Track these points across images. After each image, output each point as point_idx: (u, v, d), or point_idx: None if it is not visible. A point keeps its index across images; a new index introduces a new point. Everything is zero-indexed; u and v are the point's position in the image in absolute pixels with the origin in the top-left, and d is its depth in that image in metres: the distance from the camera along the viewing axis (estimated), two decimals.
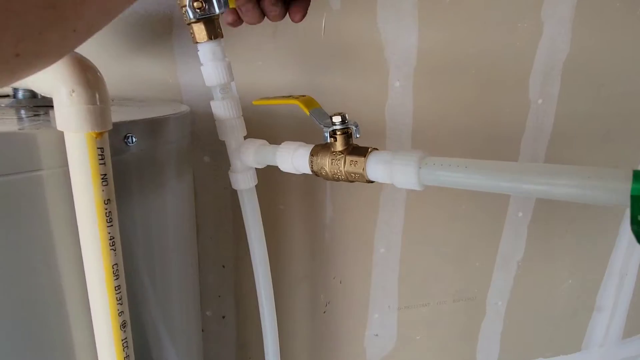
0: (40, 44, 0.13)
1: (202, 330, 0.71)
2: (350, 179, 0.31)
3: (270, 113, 0.66)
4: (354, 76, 0.69)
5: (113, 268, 0.23)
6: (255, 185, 0.46)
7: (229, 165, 0.66)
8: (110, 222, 0.23)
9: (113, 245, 0.23)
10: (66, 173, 0.23)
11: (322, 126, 0.31)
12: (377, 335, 0.87)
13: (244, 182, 0.42)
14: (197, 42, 0.38)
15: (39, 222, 0.23)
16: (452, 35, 0.71)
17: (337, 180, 0.33)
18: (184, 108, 0.42)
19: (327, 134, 0.31)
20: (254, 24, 0.35)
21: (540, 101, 0.80)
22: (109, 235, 0.23)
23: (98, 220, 0.22)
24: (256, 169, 0.43)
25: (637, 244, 0.93)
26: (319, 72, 0.68)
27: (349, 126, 0.31)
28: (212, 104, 0.39)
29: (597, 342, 1.04)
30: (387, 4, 0.66)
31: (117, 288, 0.24)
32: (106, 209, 0.23)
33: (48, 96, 0.23)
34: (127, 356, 0.25)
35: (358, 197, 0.75)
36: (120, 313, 0.24)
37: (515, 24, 0.74)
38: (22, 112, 0.34)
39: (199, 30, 0.37)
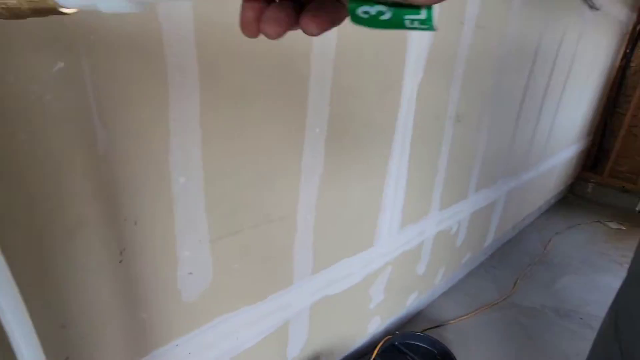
0: None
1: None
2: (33, 9, 0.21)
3: None
4: None
5: None
6: None
7: None
8: None
9: None
10: None
11: None
12: (191, 273, 0.81)
13: None
14: None
15: None
16: None
17: (20, 18, 0.22)
18: None
19: None
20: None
21: None
22: None
23: None
24: None
25: (406, 149, 1.12)
26: None
27: None
28: None
29: (384, 235, 1.28)
30: None
31: None
32: None
33: None
34: None
35: (140, 114, 0.63)
36: None
37: None
38: None
39: None
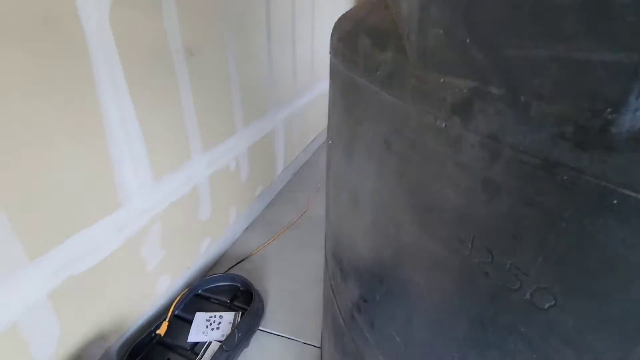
0: None
1: None
2: None
3: None
4: None
5: None
6: None
7: None
8: None
9: None
10: None
11: None
12: None
13: None
14: None
15: None
16: None
17: None
18: None
19: None
20: None
21: None
22: None
23: None
24: None
25: (123, 95, 0.95)
26: None
27: None
28: None
29: (134, 192, 1.16)
30: None
31: None
32: None
33: None
34: None
35: None
36: None
37: None
38: None
39: None
